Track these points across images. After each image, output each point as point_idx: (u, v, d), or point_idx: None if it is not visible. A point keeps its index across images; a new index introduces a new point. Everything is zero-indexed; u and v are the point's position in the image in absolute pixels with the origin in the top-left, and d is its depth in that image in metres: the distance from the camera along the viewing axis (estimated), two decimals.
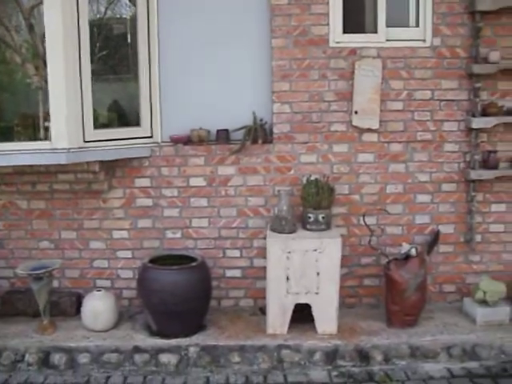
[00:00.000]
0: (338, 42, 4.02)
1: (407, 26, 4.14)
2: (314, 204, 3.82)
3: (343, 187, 4.09)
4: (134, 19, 3.99)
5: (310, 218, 3.83)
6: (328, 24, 3.99)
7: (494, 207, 4.24)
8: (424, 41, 4.06)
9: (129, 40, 4.13)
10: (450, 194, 4.18)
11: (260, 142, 3.97)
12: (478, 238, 4.24)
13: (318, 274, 3.72)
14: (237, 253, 4.06)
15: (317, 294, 3.74)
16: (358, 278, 4.22)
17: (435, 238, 4.13)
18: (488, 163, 4.09)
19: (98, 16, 4.16)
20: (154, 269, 3.73)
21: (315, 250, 3.70)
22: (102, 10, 4.21)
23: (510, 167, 4.16)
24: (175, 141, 4.04)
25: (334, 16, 4.00)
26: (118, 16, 4.28)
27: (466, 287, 4.25)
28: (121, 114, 4.21)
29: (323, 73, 3.99)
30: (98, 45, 4.07)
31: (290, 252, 3.68)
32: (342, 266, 3.92)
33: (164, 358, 3.68)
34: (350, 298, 4.20)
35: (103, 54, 4.16)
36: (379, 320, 3.98)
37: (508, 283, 4.11)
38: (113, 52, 4.21)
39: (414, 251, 3.87)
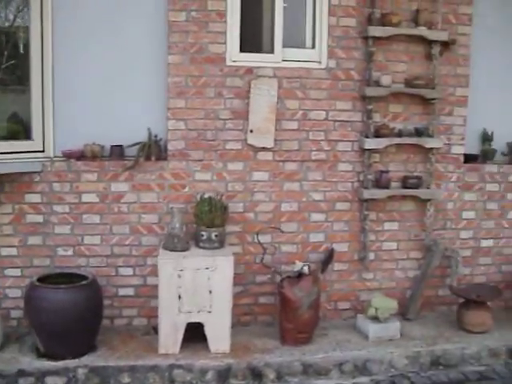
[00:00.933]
0: (234, 61, 4.54)
1: (303, 47, 4.74)
2: (207, 222, 4.38)
3: (238, 205, 4.66)
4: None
5: (203, 235, 4.39)
6: (225, 42, 4.49)
7: (387, 226, 4.95)
8: (320, 62, 4.70)
9: (30, 49, 4.54)
10: (344, 213, 4.85)
11: (153, 158, 4.52)
12: (372, 255, 4.94)
13: (210, 292, 4.24)
14: (130, 271, 4.39)
15: (209, 312, 4.20)
16: (254, 296, 4.75)
17: (329, 256, 4.80)
18: (380, 183, 4.81)
19: (7, 24, 4.54)
20: (42, 287, 4.10)
21: (207, 269, 4.24)
22: (11, 17, 4.60)
23: (401, 187, 4.89)
24: (67, 156, 4.50)
25: (231, 35, 4.54)
26: (25, 25, 4.66)
27: (360, 304, 4.89)
28: (18, 127, 4.59)
29: (219, 91, 4.55)
30: (5, 53, 4.43)
31: (181, 270, 4.15)
32: (237, 284, 4.43)
33: (50, 380, 3.91)
34: (245, 316, 4.68)
35: (11, 63, 4.57)
36: (274, 338, 4.46)
37: (400, 300, 4.87)
38: (19, 62, 4.57)
39: (306, 269, 4.52)
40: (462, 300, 4.69)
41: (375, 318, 4.45)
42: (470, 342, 4.52)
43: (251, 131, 4.41)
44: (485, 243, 5.14)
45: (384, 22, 4.55)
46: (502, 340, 4.57)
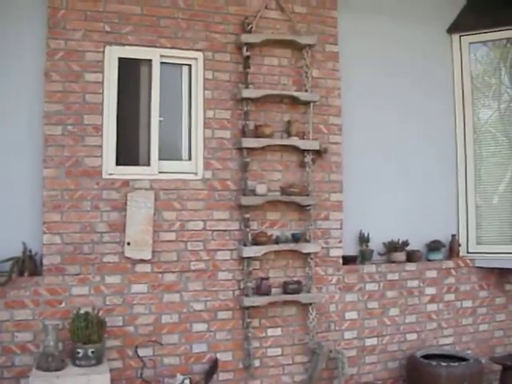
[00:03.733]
0: (110, 174, 4.80)
1: (180, 159, 5.10)
2: (83, 338, 4.44)
3: (117, 319, 4.78)
4: None
5: (78, 353, 4.44)
6: (101, 156, 4.79)
7: (270, 332, 5.19)
8: (196, 173, 5.03)
9: None
10: (226, 322, 5.07)
11: (26, 274, 4.61)
12: (257, 362, 5.14)
13: None
14: None
15: None
16: None
17: (213, 366, 4.96)
18: (261, 290, 5.08)
19: None
20: None
21: None
22: None
23: (282, 292, 5.19)
24: None
25: (107, 148, 4.81)
26: None
27: None
28: None
29: (96, 204, 4.76)
30: None
31: None
32: None
33: None
34: None
35: None
36: None
37: None
38: None
39: (187, 382, 4.66)
40: None
41: None
42: None
43: (128, 244, 4.60)
44: (369, 342, 5.44)
45: (257, 133, 4.92)
46: None
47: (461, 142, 6.16)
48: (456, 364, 5.12)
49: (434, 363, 5.12)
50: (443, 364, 5.10)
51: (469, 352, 5.79)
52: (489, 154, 6.22)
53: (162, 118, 4.85)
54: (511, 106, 5.98)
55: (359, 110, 5.66)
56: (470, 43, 6.19)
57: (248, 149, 4.84)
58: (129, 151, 4.84)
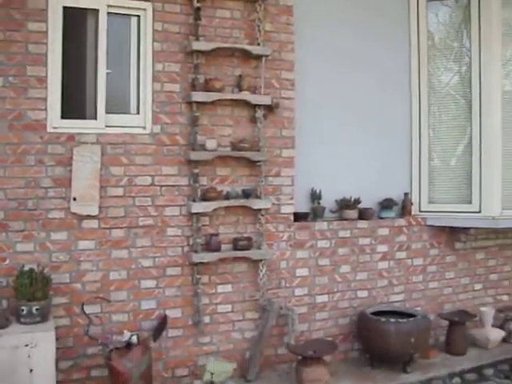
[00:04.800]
0: (55, 128, 4.72)
1: (128, 113, 5.05)
2: (27, 296, 4.41)
3: (63, 276, 4.75)
4: None
5: (23, 310, 4.42)
6: (45, 109, 4.70)
7: (220, 288, 5.25)
8: (144, 128, 5.00)
9: None
10: (176, 278, 5.10)
11: None
12: (207, 319, 5.20)
13: (31, 370, 4.31)
14: None
15: None
16: (85, 370, 4.81)
17: (162, 323, 5.01)
18: (211, 246, 5.12)
19: None
20: None
21: (27, 346, 4.31)
22: None
23: (232, 249, 5.23)
24: None
25: (51, 101, 4.70)
26: None
27: (198, 369, 5.13)
28: None
29: (40, 158, 4.68)
30: None
31: None
32: (67, 358, 4.54)
33: None
34: None
35: None
36: None
37: (239, 361, 5.14)
38: None
39: (135, 339, 4.68)
40: (299, 357, 4.96)
41: (211, 383, 4.61)
42: None
43: (74, 199, 4.58)
44: (320, 299, 5.59)
45: (208, 87, 4.90)
46: None
47: (415, 102, 6.22)
48: (404, 320, 5.27)
49: (383, 320, 5.26)
50: (392, 320, 5.25)
51: (418, 309, 5.97)
52: (449, 116, 6.30)
53: (109, 71, 4.80)
54: (471, 69, 5.99)
55: (313, 65, 5.68)
56: (428, 1, 6.20)
57: (198, 103, 4.82)
58: (75, 104, 4.79)
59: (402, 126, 6.23)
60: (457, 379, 5.35)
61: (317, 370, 4.96)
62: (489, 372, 5.59)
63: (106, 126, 4.75)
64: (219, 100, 4.69)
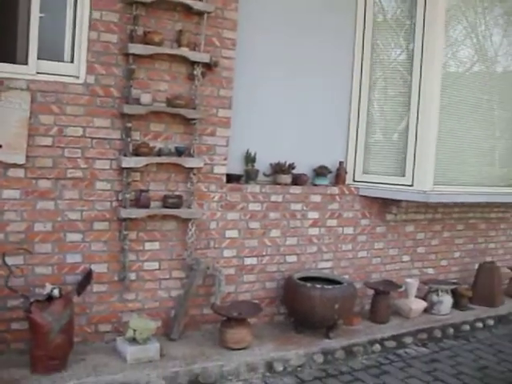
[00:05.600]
0: None
1: (61, 61, 4.93)
2: None
3: None
4: None
5: None
6: None
7: (148, 245, 5.26)
8: (78, 77, 4.89)
9: None
10: (103, 233, 5.08)
11: None
12: (133, 276, 5.21)
13: None
14: None
15: None
16: (6, 323, 4.72)
17: (87, 278, 4.99)
18: (140, 202, 5.10)
19: None
20: None
21: None
22: None
23: (161, 206, 5.24)
24: None
25: None
26: None
27: (122, 326, 5.13)
28: None
29: None
30: None
31: None
32: None
33: None
34: None
35: None
36: (25, 366, 4.53)
37: (164, 320, 5.19)
38: None
39: (56, 292, 4.66)
40: (224, 318, 5.04)
41: (134, 340, 4.67)
42: (230, 359, 4.97)
43: (0, 146, 4.45)
44: (248, 261, 5.67)
45: (146, 40, 4.84)
46: (261, 355, 5.10)
47: (357, 75, 6.30)
48: (330, 287, 5.42)
49: (308, 285, 5.38)
50: (317, 286, 5.38)
51: (346, 277, 6.12)
52: (395, 92, 6.46)
53: (42, 15, 4.65)
54: (415, 47, 6.13)
55: (257, 25, 5.69)
56: None
57: (135, 55, 4.78)
58: (4, 47, 4.63)
59: (343, 97, 6.29)
60: (377, 346, 5.52)
61: (240, 332, 5.04)
62: (408, 340, 5.82)
63: (38, 73, 4.65)
64: (157, 54, 4.63)
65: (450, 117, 6.23)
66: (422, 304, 5.98)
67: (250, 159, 5.62)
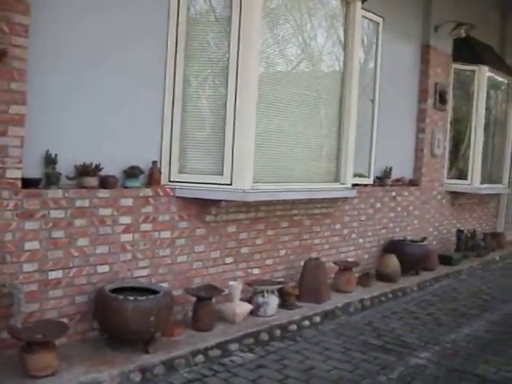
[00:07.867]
0: None
1: None
2: None
3: None
4: None
5: None
6: None
7: None
8: None
9: None
10: None
11: None
12: None
13: None
14: None
15: None
16: None
17: None
18: None
19: None
20: None
21: None
22: None
23: None
24: None
25: None
26: None
27: None
28: None
29: None
30: None
31: None
32: None
33: None
34: None
35: None
36: None
37: None
38: None
39: None
40: (23, 342, 4.55)
41: None
42: None
43: None
44: (53, 275, 5.23)
45: None
46: (69, 381, 4.73)
47: (170, 67, 6.07)
48: (144, 298, 5.12)
49: (120, 297, 5.07)
50: (130, 298, 5.09)
51: (164, 284, 5.87)
52: (210, 86, 6.36)
53: None
54: (231, 38, 6.28)
55: (59, 8, 5.18)
56: None
57: None
58: None
59: (157, 94, 6.00)
60: (200, 356, 5.33)
61: (44, 357, 4.63)
62: (233, 347, 5.70)
63: None
64: None
65: (280, 113, 6.51)
66: (248, 307, 5.94)
67: (50, 161, 5.18)
